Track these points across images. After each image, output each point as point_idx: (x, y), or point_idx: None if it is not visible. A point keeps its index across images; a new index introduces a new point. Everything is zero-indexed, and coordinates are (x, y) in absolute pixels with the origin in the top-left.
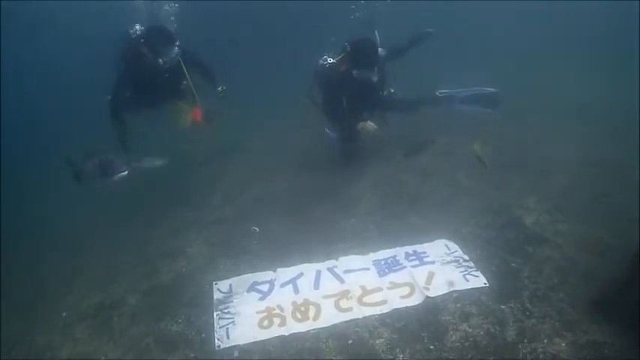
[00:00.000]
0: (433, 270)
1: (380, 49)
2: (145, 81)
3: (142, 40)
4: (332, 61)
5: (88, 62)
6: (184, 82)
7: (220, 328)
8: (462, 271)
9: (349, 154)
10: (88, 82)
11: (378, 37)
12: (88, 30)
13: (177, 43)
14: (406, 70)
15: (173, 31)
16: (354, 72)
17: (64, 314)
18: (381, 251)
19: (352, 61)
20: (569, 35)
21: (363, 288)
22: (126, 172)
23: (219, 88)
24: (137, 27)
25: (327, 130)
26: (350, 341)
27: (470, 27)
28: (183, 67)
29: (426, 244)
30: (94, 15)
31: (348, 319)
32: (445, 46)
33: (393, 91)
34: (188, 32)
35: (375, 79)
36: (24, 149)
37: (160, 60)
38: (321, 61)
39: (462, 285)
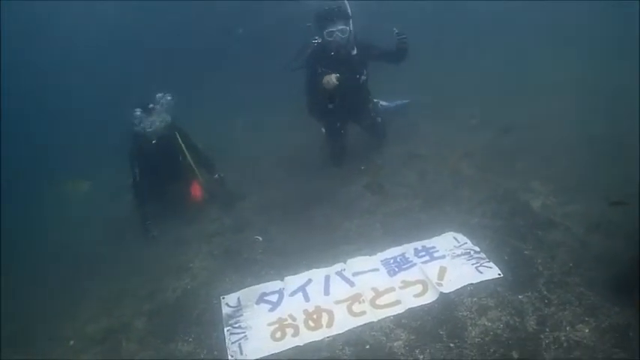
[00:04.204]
0: (444, 265)
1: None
2: (146, 157)
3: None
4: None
5: (86, 63)
6: (182, 158)
7: (232, 343)
8: (474, 264)
9: (338, 150)
10: (87, 83)
11: (348, 7)
12: (87, 31)
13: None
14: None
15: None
16: (325, 32)
17: (71, 342)
18: (389, 250)
19: (322, 23)
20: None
21: (374, 290)
22: None
23: (216, 175)
24: (138, 112)
25: (323, 129)
26: (367, 346)
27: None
28: (179, 139)
29: (434, 239)
30: (92, 16)
31: (362, 323)
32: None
33: (376, 101)
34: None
35: (347, 37)
36: (23, 158)
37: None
38: (313, 41)
39: (475, 278)
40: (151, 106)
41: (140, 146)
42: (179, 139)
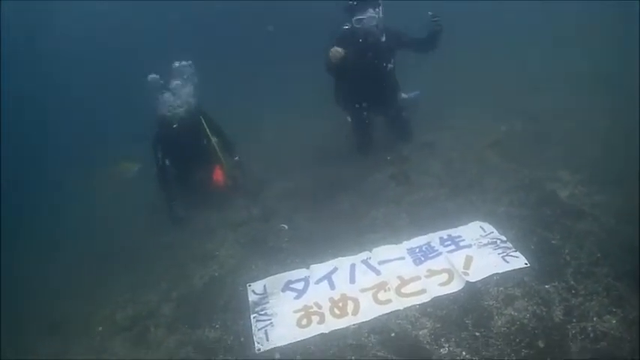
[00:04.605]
0: (470, 254)
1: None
2: (170, 141)
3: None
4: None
5: (87, 63)
6: (206, 141)
7: (259, 330)
8: (500, 253)
9: (364, 140)
10: (87, 83)
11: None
12: (87, 31)
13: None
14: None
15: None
16: (354, 20)
17: (99, 329)
18: (415, 238)
19: (351, 10)
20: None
21: (400, 278)
22: None
23: (236, 158)
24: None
25: (348, 118)
26: (392, 334)
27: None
28: (204, 123)
29: (460, 228)
30: (92, 16)
31: (388, 311)
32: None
33: (404, 96)
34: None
35: (375, 23)
36: (27, 154)
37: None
38: (344, 27)
39: (502, 267)
40: (175, 83)
41: (163, 131)
42: (204, 124)
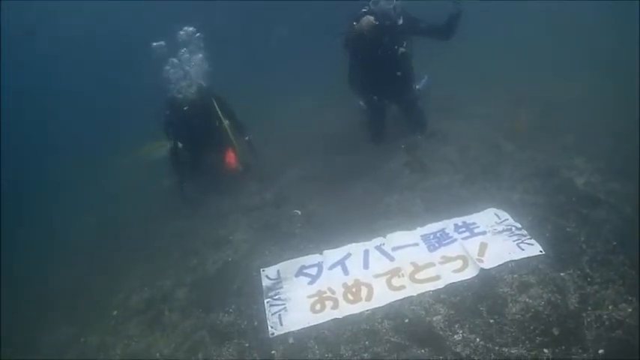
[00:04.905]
0: (485, 241)
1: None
2: (181, 124)
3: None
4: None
5: (86, 63)
6: (218, 123)
7: (272, 315)
8: (515, 240)
9: (377, 127)
10: (87, 83)
11: None
12: (86, 31)
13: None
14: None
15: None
16: (371, 2)
17: (114, 312)
18: (429, 225)
19: None
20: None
21: (414, 264)
22: None
23: (247, 137)
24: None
25: (361, 103)
26: (406, 320)
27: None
28: (216, 105)
29: (474, 215)
30: (92, 16)
31: (401, 297)
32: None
33: (418, 87)
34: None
35: (392, 6)
36: (28, 153)
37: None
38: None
39: (517, 254)
40: (183, 52)
41: (174, 113)
42: (216, 106)
